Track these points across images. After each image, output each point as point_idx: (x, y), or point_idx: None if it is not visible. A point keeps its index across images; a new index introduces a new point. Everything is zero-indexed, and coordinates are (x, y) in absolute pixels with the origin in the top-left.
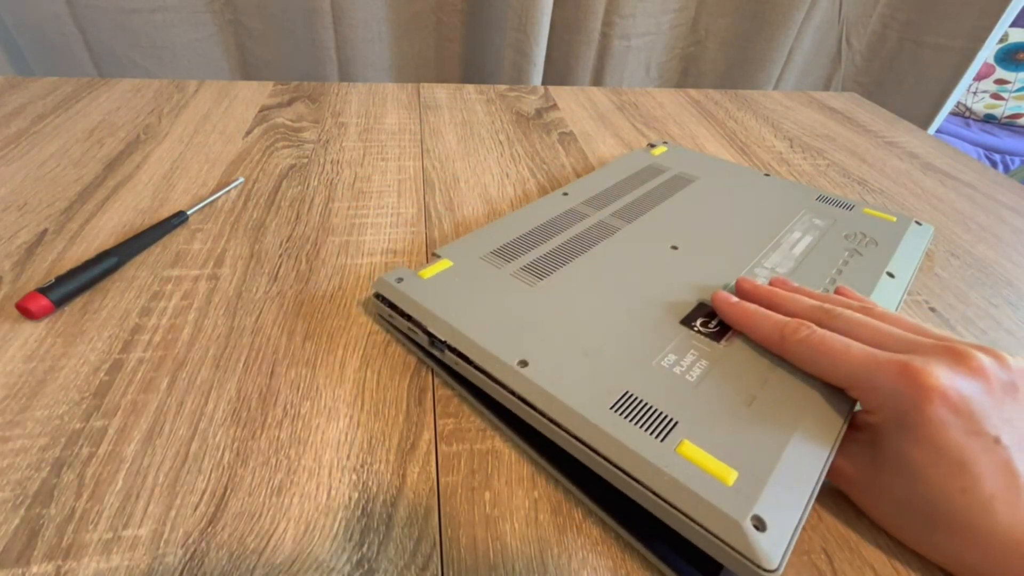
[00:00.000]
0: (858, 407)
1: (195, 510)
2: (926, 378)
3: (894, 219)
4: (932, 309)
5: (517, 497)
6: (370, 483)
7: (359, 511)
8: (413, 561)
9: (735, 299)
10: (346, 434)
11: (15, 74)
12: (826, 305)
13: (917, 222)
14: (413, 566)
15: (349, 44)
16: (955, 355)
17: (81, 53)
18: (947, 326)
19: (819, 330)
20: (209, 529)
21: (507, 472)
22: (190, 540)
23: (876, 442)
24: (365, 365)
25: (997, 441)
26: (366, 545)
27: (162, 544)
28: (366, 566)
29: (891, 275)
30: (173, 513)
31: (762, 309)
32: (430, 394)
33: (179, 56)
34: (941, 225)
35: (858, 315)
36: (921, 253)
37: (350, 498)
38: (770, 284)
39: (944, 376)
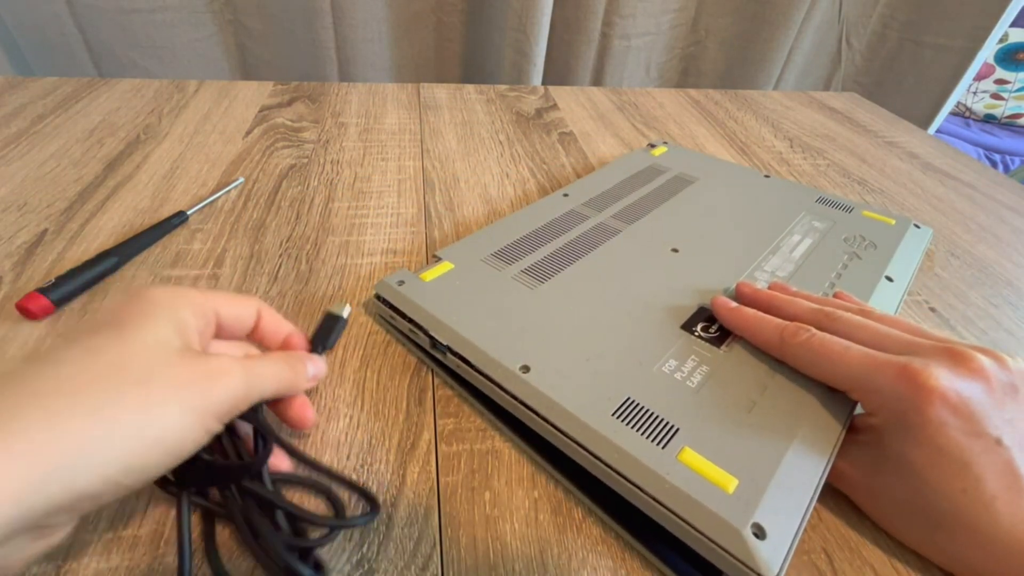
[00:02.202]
0: (859, 410)
1: (195, 510)
2: (926, 379)
3: (893, 221)
4: (932, 309)
5: (517, 497)
6: (370, 483)
7: (359, 511)
8: (413, 561)
9: (734, 304)
10: (346, 434)
11: (15, 74)
12: (826, 308)
13: (916, 224)
14: (413, 566)
15: (349, 44)
16: (955, 356)
17: (81, 53)
18: (947, 326)
19: (819, 333)
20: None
21: (507, 472)
22: None
23: (878, 443)
24: (365, 365)
25: (998, 442)
26: (366, 545)
27: (162, 544)
28: (366, 566)
29: (890, 279)
30: (173, 512)
31: (761, 313)
32: (430, 394)
33: (179, 56)
34: (941, 225)
35: (857, 317)
36: (920, 256)
37: (349, 497)
38: (769, 288)
39: (944, 377)
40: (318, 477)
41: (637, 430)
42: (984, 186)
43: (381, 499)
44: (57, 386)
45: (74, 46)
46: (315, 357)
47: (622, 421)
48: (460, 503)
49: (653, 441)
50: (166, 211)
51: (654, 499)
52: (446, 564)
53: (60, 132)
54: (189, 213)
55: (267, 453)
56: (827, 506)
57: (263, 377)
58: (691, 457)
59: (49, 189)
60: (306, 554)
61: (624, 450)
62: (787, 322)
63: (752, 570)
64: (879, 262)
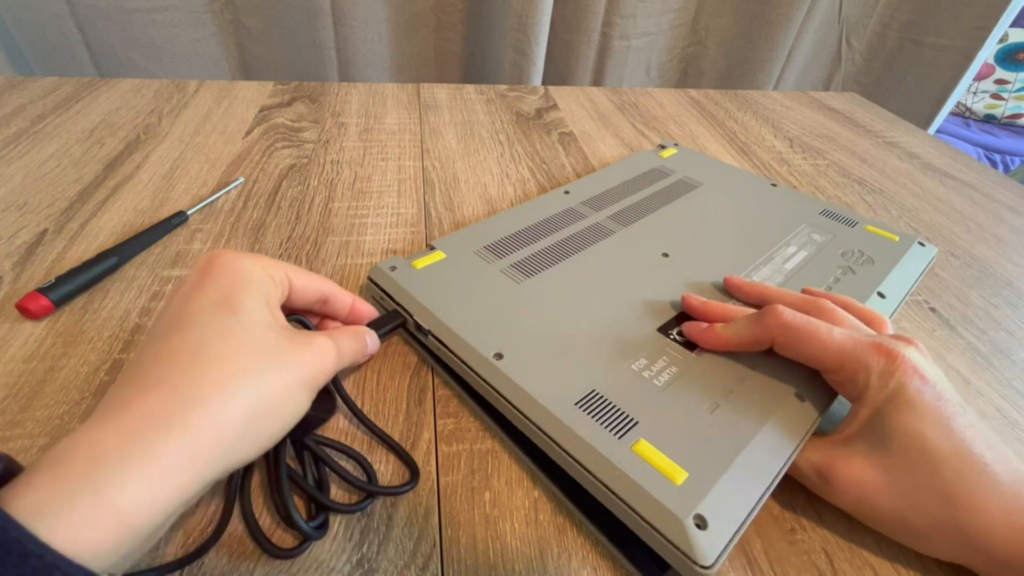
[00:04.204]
0: (835, 417)
1: (195, 509)
2: (899, 353)
3: (896, 238)
4: (932, 309)
5: (517, 497)
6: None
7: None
8: (413, 561)
9: (704, 324)
10: (346, 434)
11: (15, 74)
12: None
13: (920, 243)
14: (413, 566)
15: (349, 44)
16: (900, 339)
17: (81, 53)
18: (947, 326)
19: (798, 313)
20: (209, 528)
21: (507, 472)
22: (190, 540)
23: (872, 433)
24: (365, 365)
25: (962, 406)
26: (366, 545)
27: (162, 544)
28: (366, 566)
29: (882, 295)
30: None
31: (728, 325)
32: (430, 394)
33: (179, 56)
34: (941, 225)
35: (803, 315)
36: (920, 274)
37: (350, 498)
38: (724, 283)
39: (907, 352)
40: (350, 443)
41: (596, 420)
42: (984, 186)
43: (381, 499)
44: (214, 368)
45: (74, 46)
46: (373, 332)
47: (583, 411)
48: (460, 503)
49: (610, 431)
50: (166, 211)
51: (603, 484)
52: (446, 564)
53: (60, 132)
54: (189, 213)
55: (332, 412)
56: (827, 506)
57: (346, 352)
58: (645, 448)
59: (49, 189)
60: (321, 512)
61: (580, 436)
62: (760, 311)
63: (688, 557)
64: (874, 278)
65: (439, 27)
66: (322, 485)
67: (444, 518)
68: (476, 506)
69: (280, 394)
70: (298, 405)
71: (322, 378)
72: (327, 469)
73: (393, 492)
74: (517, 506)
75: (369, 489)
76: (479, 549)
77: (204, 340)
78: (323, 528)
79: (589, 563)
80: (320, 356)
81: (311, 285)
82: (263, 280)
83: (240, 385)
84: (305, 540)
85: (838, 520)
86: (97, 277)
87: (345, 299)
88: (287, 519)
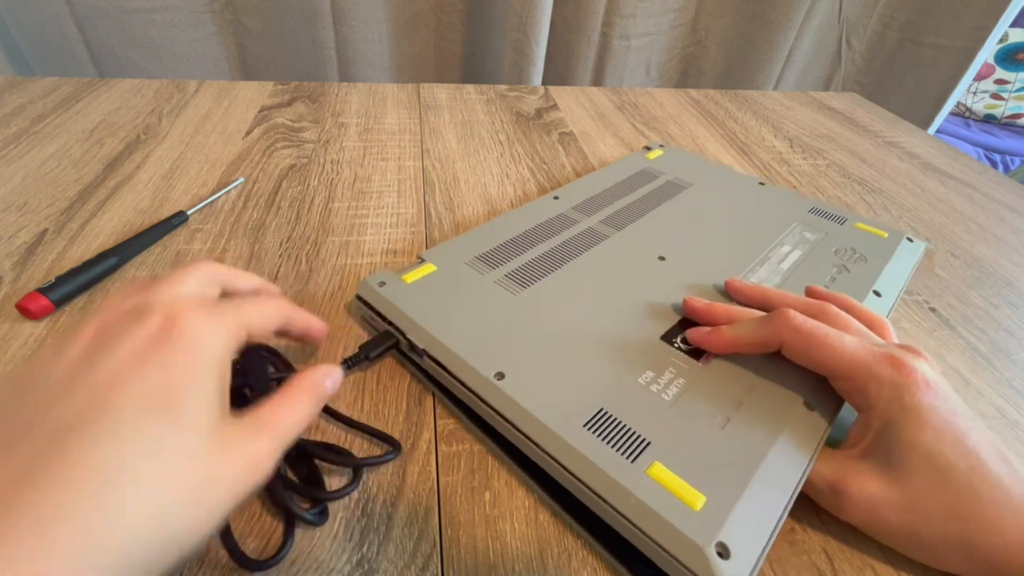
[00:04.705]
0: (840, 425)
1: None
2: (912, 365)
3: (885, 235)
4: (932, 309)
5: (517, 497)
6: (370, 483)
7: (359, 511)
8: (413, 561)
9: (707, 328)
10: (346, 434)
11: (15, 74)
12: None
13: (908, 238)
14: (413, 566)
15: (349, 44)
16: (906, 349)
17: (81, 53)
18: (947, 326)
19: (809, 318)
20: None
21: (507, 472)
22: None
23: (882, 446)
24: (365, 368)
25: (974, 420)
26: (366, 545)
27: None
28: (366, 566)
29: (877, 293)
30: None
31: (735, 325)
32: (430, 394)
33: (179, 56)
34: (941, 225)
35: (814, 320)
36: (910, 271)
37: (350, 498)
38: (725, 285)
39: (918, 364)
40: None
41: (607, 443)
42: (984, 186)
43: (381, 499)
44: (110, 488)
45: (74, 46)
46: (333, 369)
47: (593, 433)
48: (460, 503)
49: (623, 454)
50: (166, 211)
51: (620, 513)
52: (446, 564)
53: (60, 132)
54: (189, 213)
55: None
56: None
57: (291, 431)
58: (660, 472)
59: (49, 189)
60: (317, 504)
61: (592, 462)
62: (767, 315)
63: None
64: (868, 276)
65: (439, 27)
66: (317, 483)
67: (444, 518)
68: (476, 506)
69: (191, 529)
70: (211, 528)
71: (255, 488)
72: (314, 461)
73: (375, 462)
74: (517, 506)
75: (352, 463)
76: (479, 549)
77: (116, 455)
78: (324, 515)
79: (589, 564)
80: (257, 469)
81: (268, 324)
82: (220, 352)
83: (125, 519)
84: (281, 550)
85: (838, 521)
86: (97, 277)
87: (303, 324)
88: (287, 512)
